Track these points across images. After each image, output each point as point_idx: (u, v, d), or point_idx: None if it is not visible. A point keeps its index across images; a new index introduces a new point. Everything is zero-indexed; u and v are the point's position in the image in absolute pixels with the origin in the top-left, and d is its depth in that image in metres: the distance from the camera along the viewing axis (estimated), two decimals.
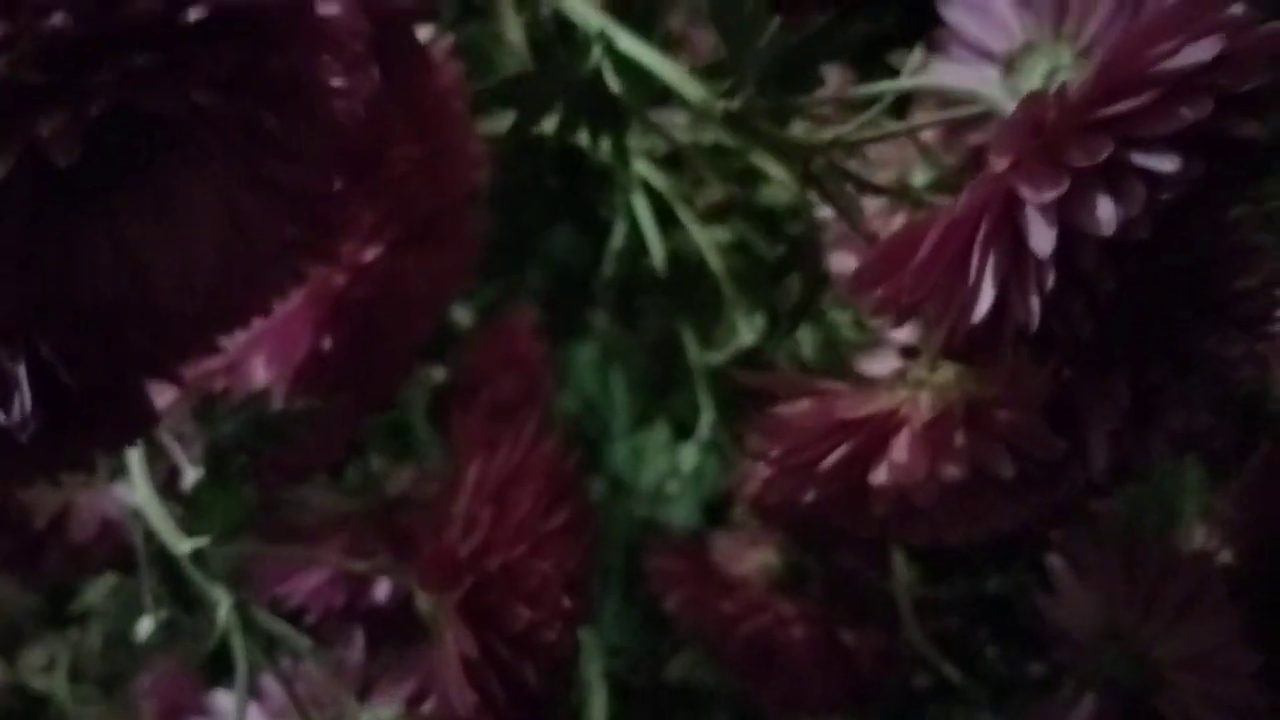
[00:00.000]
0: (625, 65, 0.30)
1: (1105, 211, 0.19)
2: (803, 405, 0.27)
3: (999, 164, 0.20)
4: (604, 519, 0.56)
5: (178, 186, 0.18)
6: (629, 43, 0.30)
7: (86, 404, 0.20)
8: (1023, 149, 0.20)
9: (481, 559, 0.25)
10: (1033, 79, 0.29)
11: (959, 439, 0.25)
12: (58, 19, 0.15)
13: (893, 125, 0.29)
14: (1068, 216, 0.20)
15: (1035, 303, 0.20)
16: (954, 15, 0.31)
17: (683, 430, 0.65)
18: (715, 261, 0.41)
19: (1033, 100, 0.20)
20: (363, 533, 0.35)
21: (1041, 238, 0.20)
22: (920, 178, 0.32)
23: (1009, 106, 0.29)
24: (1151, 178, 0.20)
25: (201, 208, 0.19)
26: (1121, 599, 0.37)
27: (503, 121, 0.41)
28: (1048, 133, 0.20)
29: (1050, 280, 0.20)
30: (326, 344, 0.30)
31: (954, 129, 0.32)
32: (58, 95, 0.16)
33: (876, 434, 0.26)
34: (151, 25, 0.16)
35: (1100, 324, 0.22)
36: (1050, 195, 0.19)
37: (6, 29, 0.15)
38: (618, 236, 0.46)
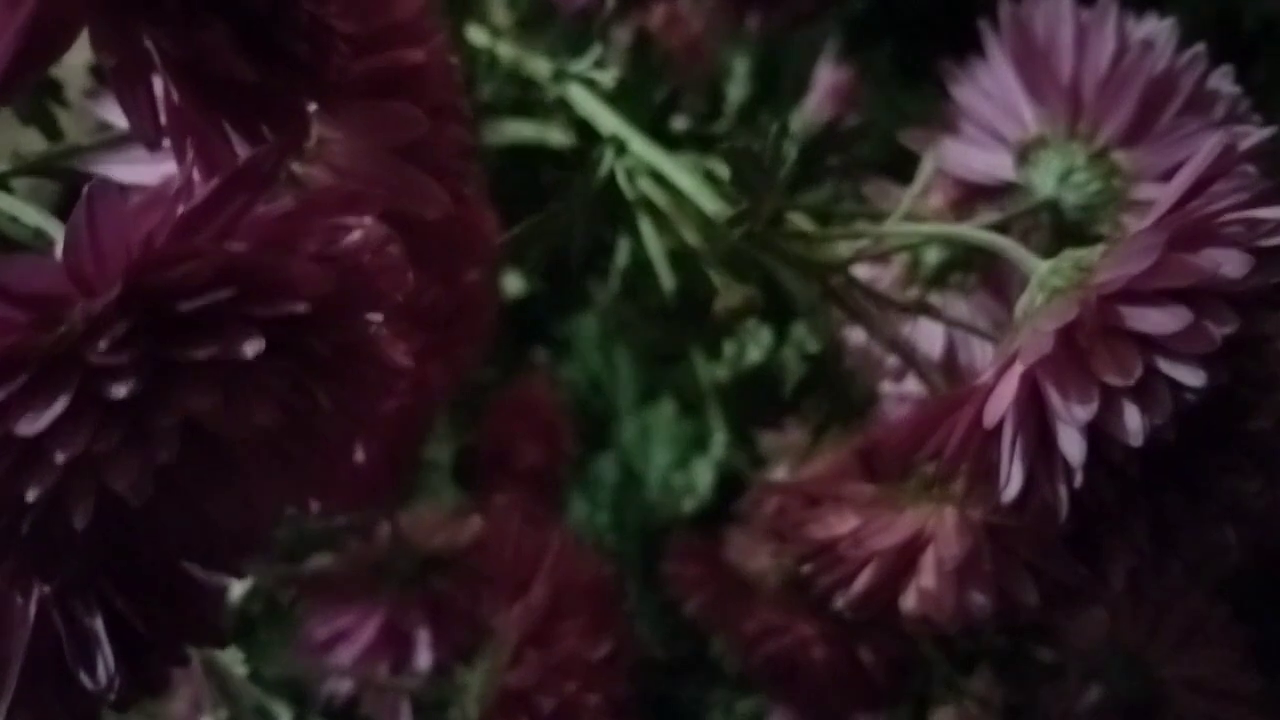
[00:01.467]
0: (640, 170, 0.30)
1: (1134, 423, 0.20)
2: (834, 526, 0.28)
3: (1028, 360, 0.21)
4: (618, 507, 0.58)
5: (243, 456, 0.19)
6: (643, 148, 0.30)
7: (159, 643, 0.20)
8: (1053, 357, 0.20)
9: (535, 698, 0.26)
10: (1047, 180, 0.29)
11: (985, 566, 0.26)
12: (116, 385, 0.15)
13: (906, 232, 0.28)
14: (1097, 425, 0.20)
15: (1064, 493, 0.21)
16: (966, 97, 0.31)
17: (688, 404, 0.66)
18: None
19: (1062, 309, 0.21)
20: (400, 597, 0.37)
21: (1072, 446, 0.20)
22: (933, 255, 0.33)
23: (1031, 197, 0.29)
24: (1179, 386, 0.20)
25: (260, 469, 0.19)
26: (1128, 618, 0.39)
27: (504, 132, 0.41)
28: (1078, 341, 0.20)
29: (1079, 479, 0.21)
30: (359, 457, 0.31)
31: (966, 200, 0.32)
32: (126, 447, 0.16)
33: (905, 556, 0.27)
34: (213, 364, 0.16)
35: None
36: (1082, 414, 0.20)
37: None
38: (622, 254, 0.45)
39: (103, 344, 0.15)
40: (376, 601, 0.38)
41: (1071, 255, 0.23)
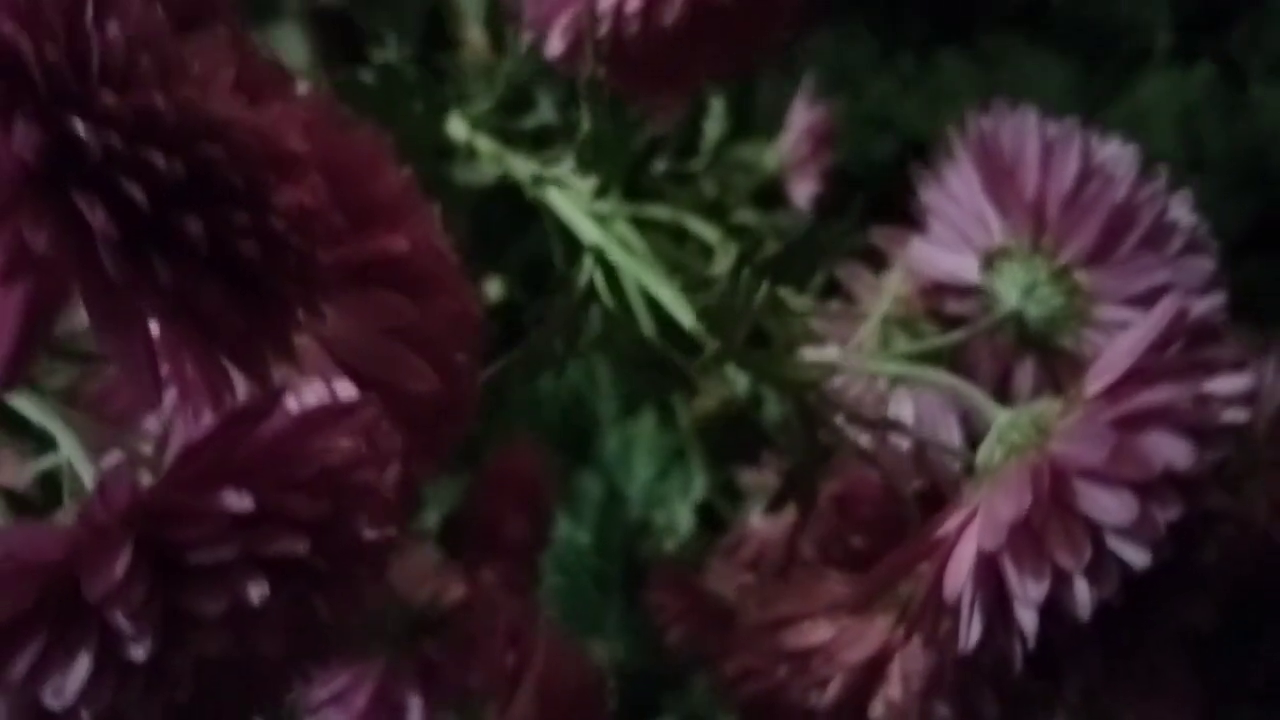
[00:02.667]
0: (618, 282, 0.31)
1: (1083, 597, 0.21)
2: (808, 636, 0.29)
3: (986, 545, 0.22)
4: (601, 525, 0.59)
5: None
6: (622, 258, 0.31)
7: None
8: (1007, 540, 0.22)
9: None
10: (1012, 292, 0.30)
11: (948, 678, 0.27)
12: (136, 647, 0.17)
13: (877, 368, 0.30)
14: (1049, 599, 0.22)
15: (1019, 649, 0.23)
16: (935, 199, 0.32)
17: (669, 416, 0.67)
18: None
19: (1013, 496, 0.22)
20: (392, 662, 0.38)
21: (1027, 619, 0.22)
22: (902, 344, 0.34)
23: (994, 311, 0.31)
24: (1126, 563, 0.21)
25: (266, 670, 0.20)
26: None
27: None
28: (1032, 525, 0.21)
29: (1033, 638, 0.22)
30: None
31: (933, 293, 0.33)
32: (146, 694, 0.17)
33: (873, 667, 0.28)
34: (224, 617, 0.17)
35: None
36: (1036, 593, 0.21)
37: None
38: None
39: (122, 611, 0.16)
40: (369, 664, 0.39)
41: (1029, 412, 0.24)
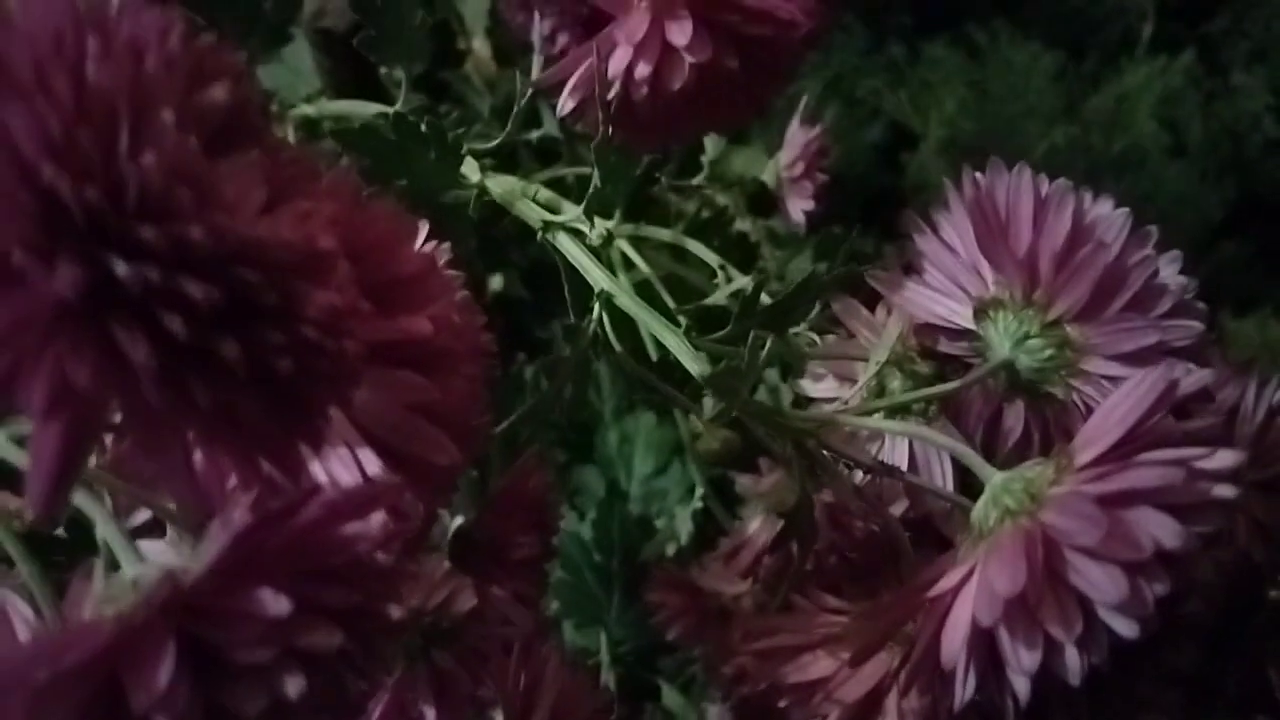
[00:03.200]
0: (625, 326, 0.31)
1: (1074, 664, 0.22)
2: (808, 670, 0.30)
3: (983, 619, 0.22)
4: (602, 520, 0.60)
5: None
6: (628, 303, 0.31)
7: None
8: (1003, 614, 0.22)
9: None
10: (1004, 343, 0.30)
11: (942, 714, 0.28)
12: None
13: (877, 425, 0.30)
14: (1042, 664, 0.22)
15: (1011, 708, 0.23)
16: (929, 246, 0.32)
17: (666, 411, 0.67)
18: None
19: (1008, 570, 0.22)
20: (406, 673, 0.38)
21: (1020, 685, 0.22)
22: (896, 385, 0.34)
23: (986, 358, 0.31)
24: (1114, 631, 0.22)
25: None
26: None
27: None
28: (1027, 599, 0.22)
29: (1025, 698, 0.23)
30: None
31: (928, 330, 0.34)
32: None
33: (871, 701, 0.29)
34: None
35: None
36: (1029, 662, 0.22)
37: None
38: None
39: (166, 718, 0.17)
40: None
41: (1022, 476, 0.25)
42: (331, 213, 0.21)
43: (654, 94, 0.29)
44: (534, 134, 0.56)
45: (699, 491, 0.47)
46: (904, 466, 0.34)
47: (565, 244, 0.32)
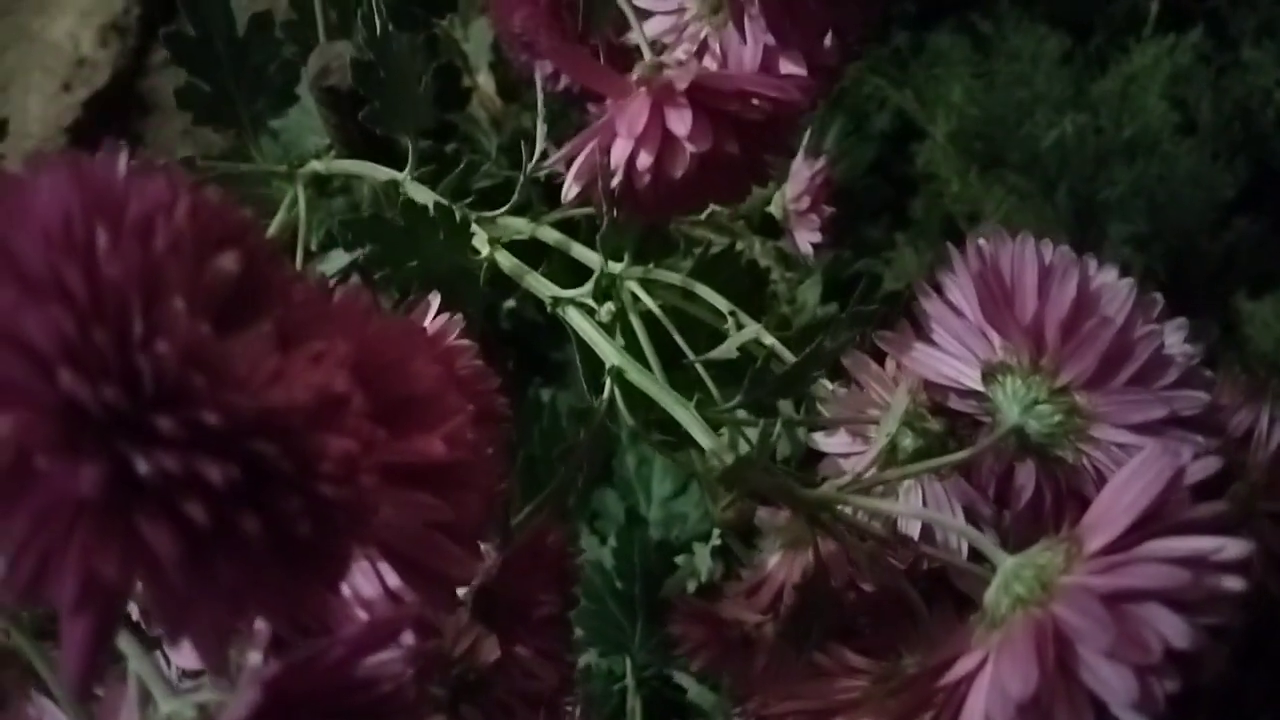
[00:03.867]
0: (636, 398, 0.31)
1: None
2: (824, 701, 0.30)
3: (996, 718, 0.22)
4: (622, 545, 0.60)
5: None
6: (640, 379, 0.31)
7: None
8: (1016, 713, 0.22)
9: None
10: (1014, 409, 0.30)
11: None
12: None
13: (888, 508, 0.30)
14: None
15: None
16: (935, 309, 0.32)
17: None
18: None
19: (1020, 669, 0.22)
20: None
21: None
22: (909, 441, 0.34)
23: (995, 420, 0.31)
24: None
25: None
26: None
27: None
28: (1039, 696, 0.22)
29: None
30: None
31: (938, 388, 0.34)
32: None
33: None
34: None
35: None
36: None
37: None
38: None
39: None
40: None
41: (1033, 563, 0.25)
42: (344, 348, 0.21)
43: (656, 181, 0.29)
44: (543, 171, 0.56)
45: (715, 531, 0.48)
46: (916, 534, 0.34)
47: (575, 319, 0.32)
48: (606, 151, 0.29)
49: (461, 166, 0.49)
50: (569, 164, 0.31)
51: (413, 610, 0.21)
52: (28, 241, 0.17)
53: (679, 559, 0.57)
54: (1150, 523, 0.23)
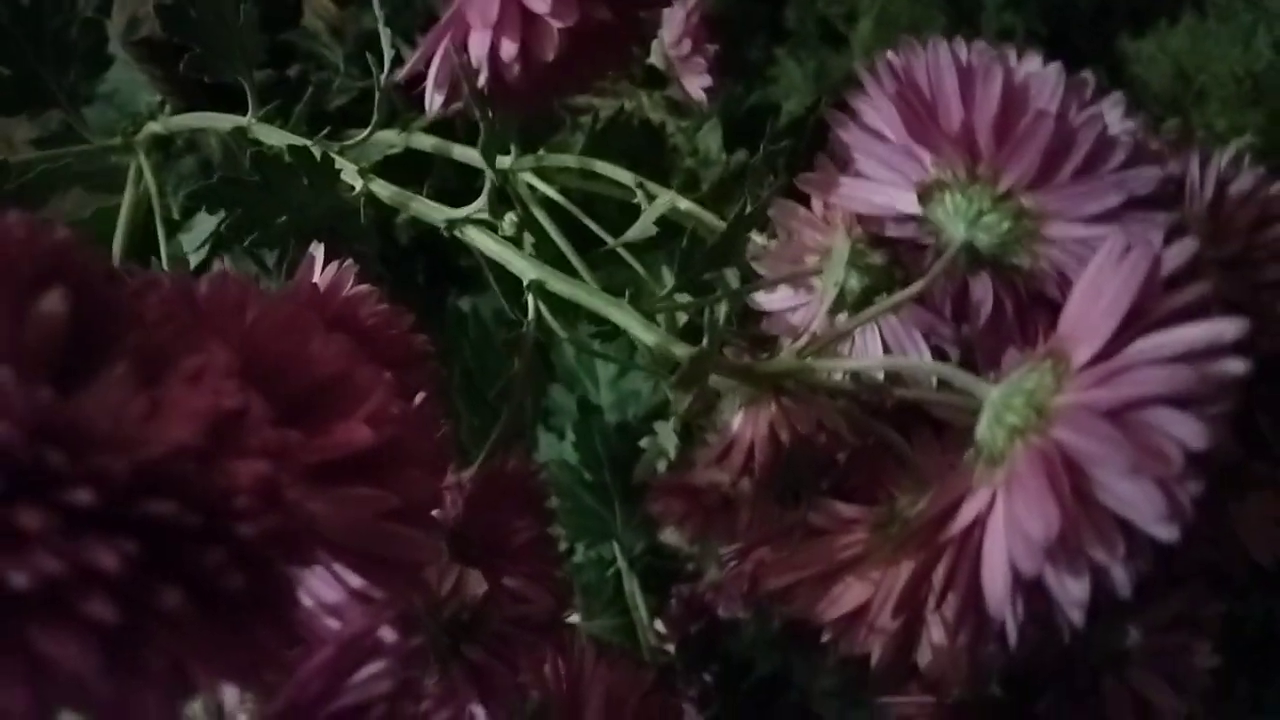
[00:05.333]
0: (562, 307, 0.29)
1: (1122, 579, 0.21)
2: (843, 602, 0.29)
3: (1025, 569, 0.21)
4: (582, 436, 0.58)
5: None
6: (563, 287, 0.28)
7: None
8: (1045, 556, 0.21)
9: None
10: (958, 225, 0.28)
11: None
12: None
13: (856, 364, 0.28)
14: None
15: (1064, 626, 0.22)
16: (856, 138, 0.29)
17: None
18: None
19: (1037, 510, 0.21)
20: (445, 678, 0.37)
21: (1075, 614, 0.21)
22: (853, 283, 0.32)
23: (940, 241, 0.29)
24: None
25: None
26: None
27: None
28: (1065, 535, 0.21)
29: (1080, 623, 0.22)
30: None
31: (873, 219, 0.31)
32: None
33: (912, 618, 0.28)
34: None
35: None
36: (1079, 592, 0.21)
37: None
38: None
39: None
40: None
41: (1021, 390, 0.23)
42: (224, 355, 0.18)
43: (527, 69, 0.25)
44: (400, 77, 0.51)
45: (674, 401, 0.46)
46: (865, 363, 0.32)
47: (478, 239, 0.29)
48: (464, 47, 0.26)
49: (310, 91, 0.44)
50: (426, 67, 0.27)
51: (378, 621, 0.19)
52: None
53: (644, 441, 0.55)
54: (1135, 321, 0.22)
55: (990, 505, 0.23)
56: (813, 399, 0.29)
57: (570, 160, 0.42)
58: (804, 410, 0.34)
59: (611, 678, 0.34)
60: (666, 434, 0.48)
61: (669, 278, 0.42)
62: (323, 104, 0.48)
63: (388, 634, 0.21)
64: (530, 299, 0.29)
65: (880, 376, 0.30)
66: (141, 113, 0.45)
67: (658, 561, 0.60)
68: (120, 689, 0.14)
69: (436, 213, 0.30)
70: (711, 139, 0.54)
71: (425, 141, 0.43)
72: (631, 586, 0.56)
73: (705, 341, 0.26)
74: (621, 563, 0.59)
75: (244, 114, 0.39)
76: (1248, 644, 0.56)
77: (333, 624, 0.21)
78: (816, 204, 0.34)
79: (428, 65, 0.27)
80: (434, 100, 0.26)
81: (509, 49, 0.25)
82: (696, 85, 0.46)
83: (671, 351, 0.27)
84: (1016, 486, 0.22)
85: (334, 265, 0.31)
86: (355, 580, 0.21)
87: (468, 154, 0.42)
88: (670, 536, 0.61)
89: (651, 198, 0.39)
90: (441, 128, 0.44)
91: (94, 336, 0.16)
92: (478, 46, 0.25)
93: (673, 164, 0.57)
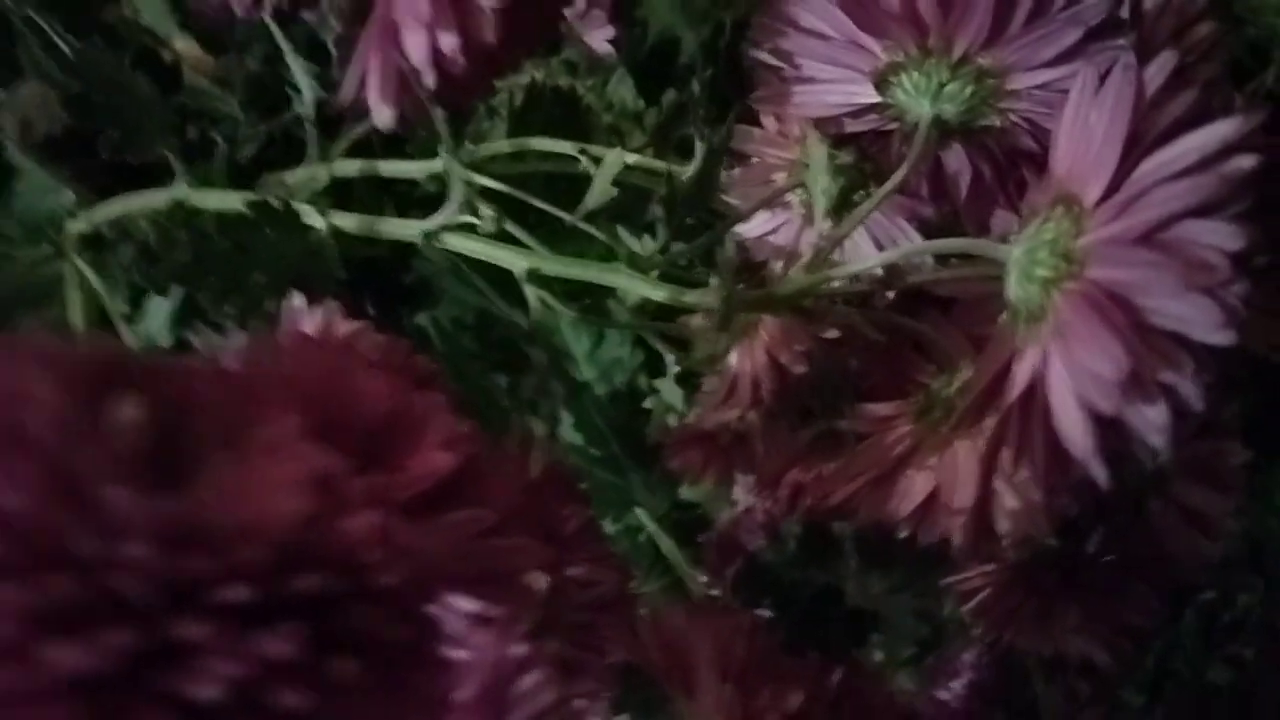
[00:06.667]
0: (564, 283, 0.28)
1: (1193, 393, 0.21)
2: (911, 495, 0.29)
3: (1105, 407, 0.21)
4: (581, 417, 0.58)
5: None
6: (558, 267, 0.28)
7: None
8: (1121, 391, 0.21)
9: None
10: (922, 102, 0.28)
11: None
12: None
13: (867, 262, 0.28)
14: None
15: (1149, 462, 0.23)
16: (796, 44, 0.29)
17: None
18: None
19: (1101, 352, 0.21)
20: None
21: (1158, 439, 0.22)
22: (828, 184, 0.32)
23: (906, 122, 0.29)
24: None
25: None
26: None
27: None
28: (1136, 370, 0.21)
29: (1166, 447, 0.22)
30: None
31: (829, 121, 0.31)
32: None
33: (983, 495, 0.29)
34: None
35: None
36: (1158, 418, 0.21)
37: None
38: None
39: None
40: None
41: (1041, 242, 0.23)
42: (289, 418, 0.18)
43: (470, 56, 0.25)
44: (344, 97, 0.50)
45: (670, 359, 0.46)
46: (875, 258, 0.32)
47: (459, 244, 0.29)
48: (401, 52, 0.25)
49: (224, 147, 0.43)
50: (362, 86, 0.27)
51: (511, 637, 0.19)
52: None
53: (648, 403, 0.55)
54: (1135, 145, 0.22)
55: (1044, 361, 0.23)
56: (830, 310, 0.29)
57: (505, 145, 0.42)
58: (797, 328, 0.35)
59: (712, 629, 0.34)
60: (670, 390, 0.48)
61: (632, 239, 0.42)
62: (234, 156, 0.47)
63: (519, 648, 0.21)
64: (529, 289, 0.28)
65: (881, 269, 0.30)
66: (58, 214, 0.43)
67: (684, 515, 0.61)
68: None
69: (409, 228, 0.30)
70: (624, 90, 0.54)
71: (350, 167, 0.42)
72: (668, 545, 0.56)
73: (723, 279, 0.26)
74: (651, 526, 0.59)
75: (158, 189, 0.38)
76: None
77: (460, 655, 0.21)
78: (769, 121, 0.34)
79: (363, 83, 0.27)
80: (383, 115, 0.26)
81: (449, 41, 0.24)
82: (600, 39, 0.46)
83: (686, 303, 0.27)
84: (1070, 335, 0.22)
85: (318, 309, 0.30)
86: (470, 605, 0.21)
87: (396, 168, 0.42)
88: (691, 490, 0.62)
89: (597, 162, 0.39)
90: (361, 149, 0.44)
91: (167, 432, 0.15)
92: (417, 46, 0.24)
93: (590, 125, 0.56)
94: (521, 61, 0.30)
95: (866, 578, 0.59)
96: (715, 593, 0.62)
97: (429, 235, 0.29)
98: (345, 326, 0.31)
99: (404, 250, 0.67)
